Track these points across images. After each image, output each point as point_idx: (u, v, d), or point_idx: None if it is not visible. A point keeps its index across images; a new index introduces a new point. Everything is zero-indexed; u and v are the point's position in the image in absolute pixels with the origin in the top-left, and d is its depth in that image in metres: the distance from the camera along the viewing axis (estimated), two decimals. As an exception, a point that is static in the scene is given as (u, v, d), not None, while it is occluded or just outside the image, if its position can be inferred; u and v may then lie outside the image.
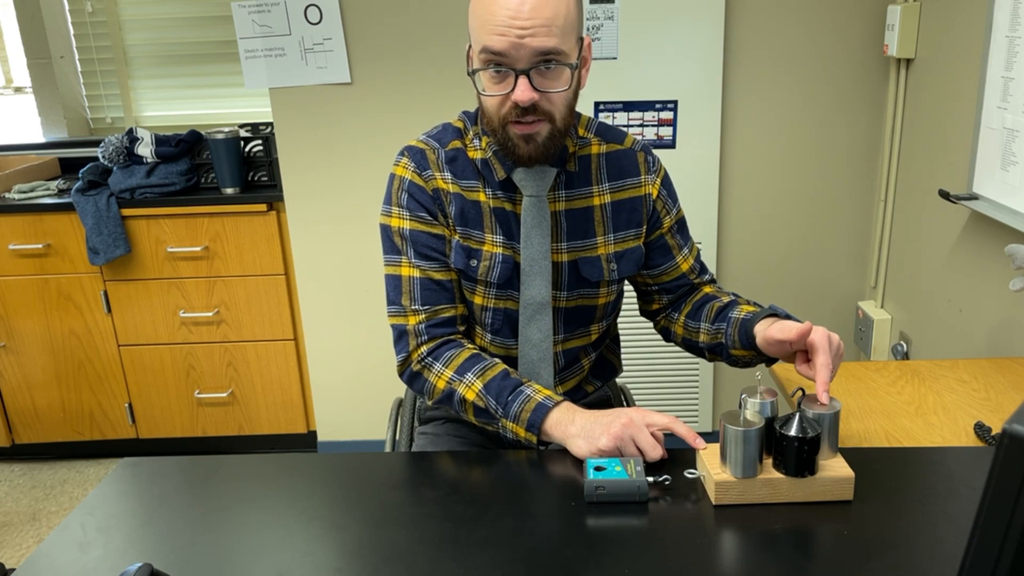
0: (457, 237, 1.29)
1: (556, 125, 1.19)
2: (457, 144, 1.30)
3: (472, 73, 1.18)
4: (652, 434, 1.12)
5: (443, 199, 1.28)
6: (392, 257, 1.30)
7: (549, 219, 1.27)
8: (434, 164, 1.28)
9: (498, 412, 1.21)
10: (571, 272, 1.31)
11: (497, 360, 1.26)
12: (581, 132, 1.32)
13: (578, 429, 1.14)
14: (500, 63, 1.14)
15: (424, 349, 1.28)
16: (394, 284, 1.30)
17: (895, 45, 2.26)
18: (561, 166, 1.28)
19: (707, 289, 1.41)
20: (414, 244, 1.28)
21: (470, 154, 1.29)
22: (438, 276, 1.29)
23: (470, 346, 1.29)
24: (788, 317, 1.25)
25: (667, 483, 1.08)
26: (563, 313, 1.34)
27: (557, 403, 1.18)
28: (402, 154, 1.30)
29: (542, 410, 1.17)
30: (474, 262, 1.28)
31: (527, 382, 1.22)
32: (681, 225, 1.41)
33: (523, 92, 1.13)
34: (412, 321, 1.29)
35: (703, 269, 1.45)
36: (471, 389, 1.23)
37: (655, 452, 1.10)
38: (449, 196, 1.28)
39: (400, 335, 1.30)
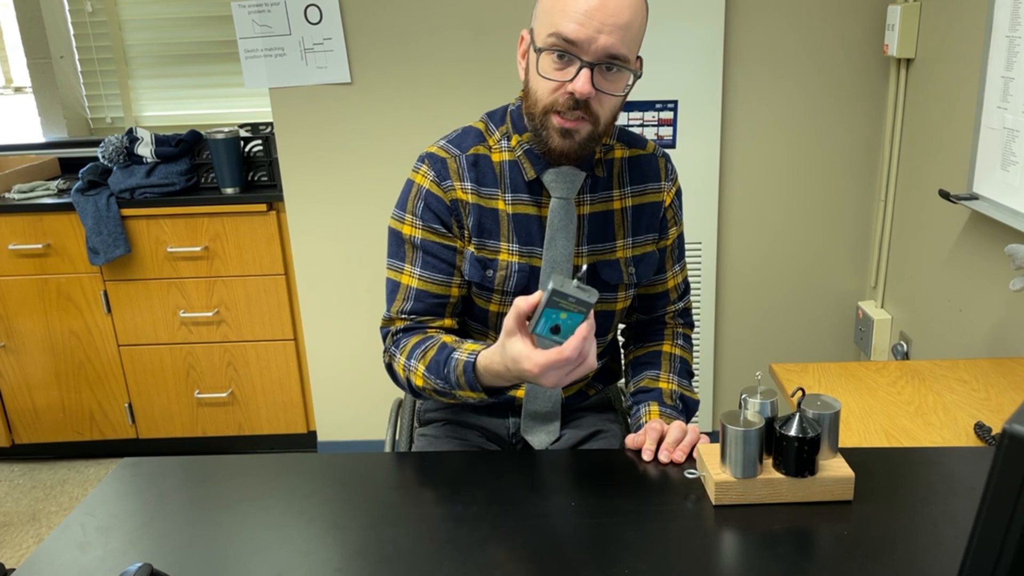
0: (472, 248, 1.28)
1: (597, 128, 1.19)
2: (479, 149, 1.29)
3: (538, 51, 1.15)
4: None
5: (461, 210, 1.27)
6: (396, 262, 1.31)
7: (575, 222, 1.26)
8: (455, 173, 1.27)
9: (446, 388, 1.20)
10: (590, 276, 1.31)
11: (440, 336, 1.25)
12: (604, 139, 1.32)
13: (514, 375, 1.08)
14: (568, 51, 1.13)
15: (392, 341, 1.31)
16: (392, 288, 1.31)
17: (895, 45, 2.26)
18: (589, 170, 1.28)
19: (665, 347, 1.41)
20: (424, 254, 1.28)
21: (494, 157, 1.28)
22: (437, 290, 1.29)
23: (429, 330, 1.29)
24: (683, 401, 1.34)
25: (583, 274, 1.05)
26: None
27: (475, 354, 1.15)
28: (422, 161, 1.29)
29: (469, 368, 1.15)
30: (490, 272, 1.28)
31: (458, 346, 1.19)
32: (680, 241, 1.42)
33: (584, 84, 1.13)
34: (397, 324, 1.31)
35: (685, 291, 1.46)
36: (417, 374, 1.23)
37: (584, 372, 1.04)
38: (468, 207, 1.27)
39: (384, 336, 1.33)
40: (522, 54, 1.23)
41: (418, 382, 1.24)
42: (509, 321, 1.04)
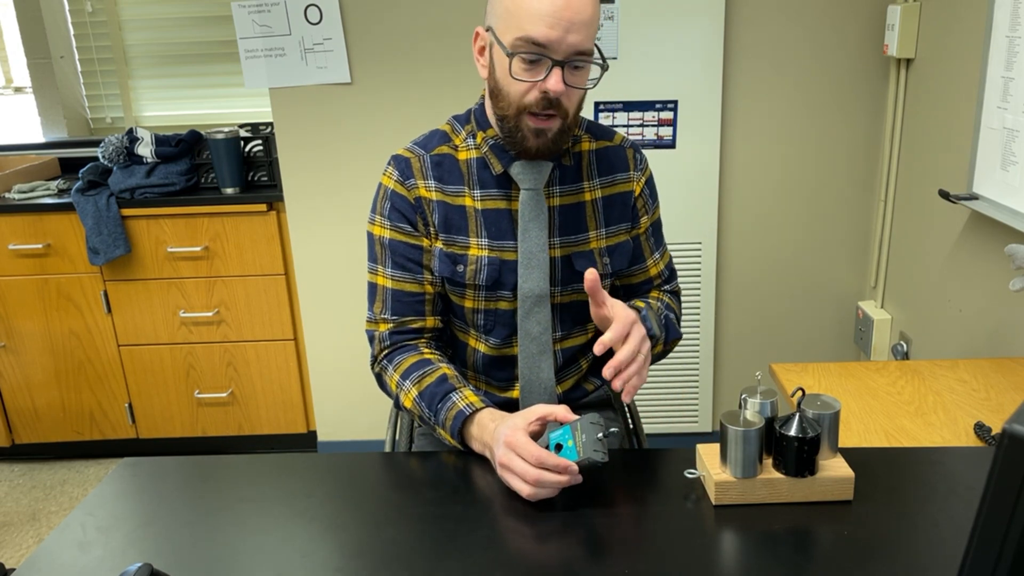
0: (440, 245, 1.30)
1: (567, 122, 1.21)
2: (444, 149, 1.31)
3: (510, 56, 1.16)
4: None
5: (425, 208, 1.29)
6: (372, 264, 1.34)
7: (546, 212, 1.28)
8: (418, 172, 1.29)
9: (431, 420, 1.23)
10: (564, 267, 1.32)
11: (441, 366, 1.27)
12: (574, 131, 1.33)
13: (494, 437, 1.12)
14: (539, 53, 1.14)
15: (384, 353, 1.33)
16: (371, 291, 1.34)
17: (895, 45, 2.26)
18: (556, 161, 1.30)
19: (653, 294, 1.43)
20: (392, 254, 1.31)
21: (460, 155, 1.30)
22: (410, 288, 1.31)
23: (426, 351, 1.31)
24: (667, 325, 1.34)
25: (610, 434, 1.06)
26: (559, 309, 1.35)
27: (475, 411, 1.18)
28: (389, 163, 1.32)
29: (460, 418, 1.19)
30: (460, 267, 1.30)
31: (460, 387, 1.23)
32: (656, 228, 1.43)
33: (557, 83, 1.15)
34: (381, 328, 1.33)
35: (671, 276, 1.47)
36: (408, 396, 1.27)
37: (524, 490, 1.05)
38: (432, 204, 1.29)
39: (370, 340, 1.36)
40: (479, 51, 1.25)
41: (407, 403, 1.28)
42: (543, 409, 1.10)
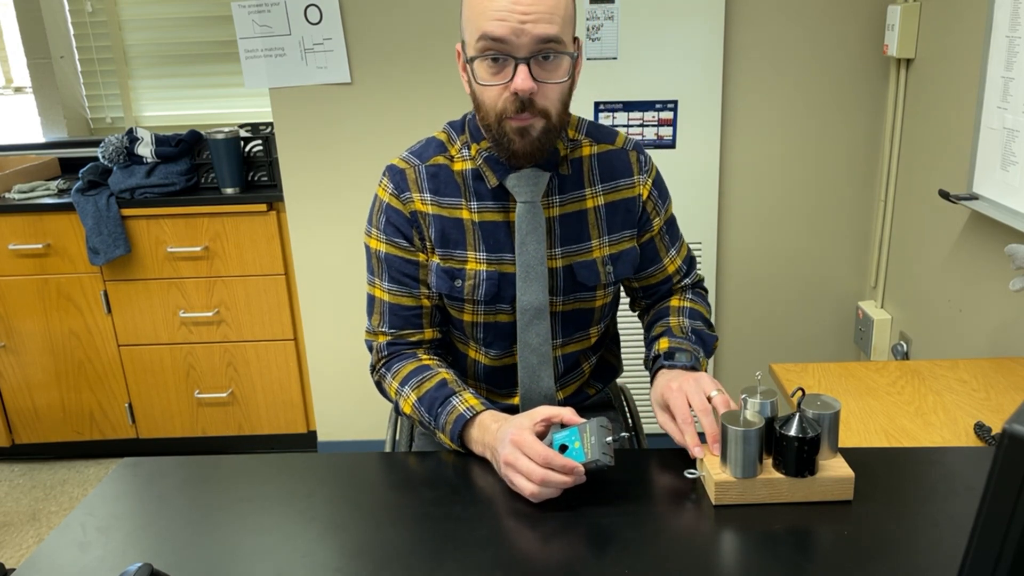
0: (437, 260, 1.28)
1: (551, 121, 1.17)
2: (439, 159, 1.28)
3: (470, 61, 1.14)
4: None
5: (421, 222, 1.27)
6: (370, 276, 1.33)
7: (544, 224, 1.25)
8: (414, 184, 1.27)
9: (431, 425, 1.23)
10: (566, 277, 1.30)
11: (440, 371, 1.26)
12: (571, 134, 1.30)
13: (497, 437, 1.11)
14: (499, 51, 1.11)
15: (382, 361, 1.33)
16: (370, 303, 1.34)
17: (895, 45, 2.26)
18: (554, 170, 1.26)
19: (673, 302, 1.40)
20: (388, 268, 1.30)
21: (455, 166, 1.28)
22: (407, 302, 1.30)
23: (424, 357, 1.30)
24: (698, 344, 1.29)
25: (620, 439, 1.05)
26: (560, 317, 1.33)
27: (476, 415, 1.17)
28: (384, 174, 1.30)
29: (460, 422, 1.18)
30: (458, 282, 1.27)
31: (459, 391, 1.22)
32: (671, 225, 1.40)
33: (523, 80, 1.11)
34: (379, 340, 1.33)
35: (690, 269, 1.44)
36: (407, 402, 1.26)
37: (528, 489, 1.04)
38: (428, 218, 1.27)
39: (369, 349, 1.36)
40: (462, 67, 1.22)
41: (406, 409, 1.27)
42: (549, 411, 1.09)
